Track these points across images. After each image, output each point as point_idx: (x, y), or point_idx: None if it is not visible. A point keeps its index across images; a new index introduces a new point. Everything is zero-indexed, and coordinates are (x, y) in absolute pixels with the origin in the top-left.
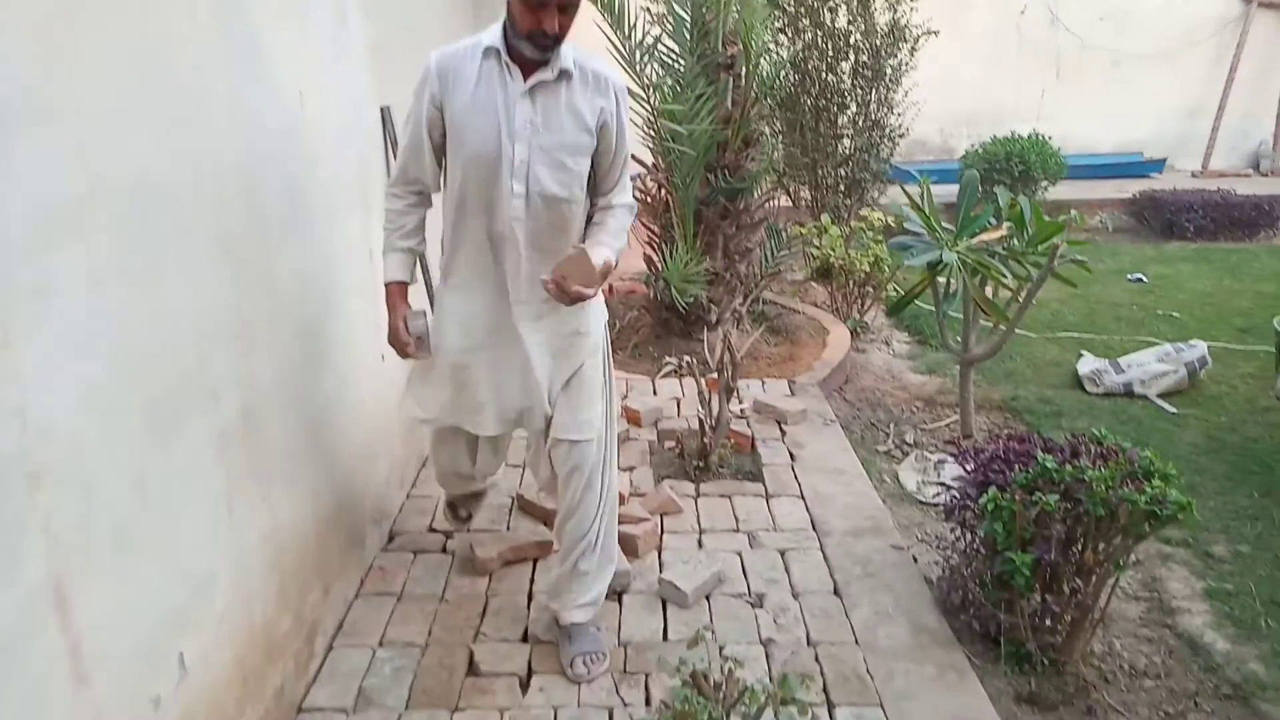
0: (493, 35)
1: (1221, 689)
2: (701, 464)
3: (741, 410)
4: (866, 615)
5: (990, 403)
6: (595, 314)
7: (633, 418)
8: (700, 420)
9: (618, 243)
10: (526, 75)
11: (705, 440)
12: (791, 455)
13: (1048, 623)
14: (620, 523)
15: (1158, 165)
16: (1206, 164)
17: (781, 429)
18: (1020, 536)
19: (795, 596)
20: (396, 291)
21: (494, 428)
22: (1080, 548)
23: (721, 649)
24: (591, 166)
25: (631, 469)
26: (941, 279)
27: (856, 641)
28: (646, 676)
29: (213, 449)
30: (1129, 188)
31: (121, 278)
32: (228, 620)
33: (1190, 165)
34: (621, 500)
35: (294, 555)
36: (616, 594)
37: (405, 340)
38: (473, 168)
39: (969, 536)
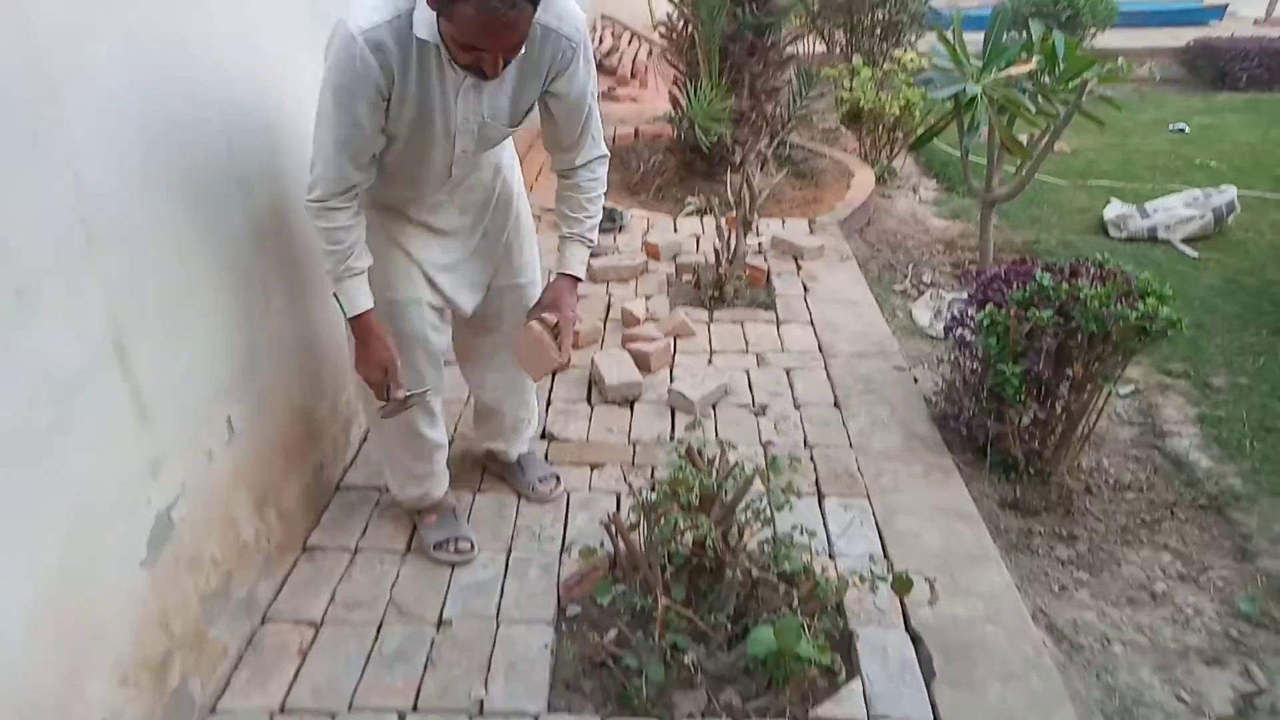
0: (422, 25)
1: (1199, 500)
2: (716, 294)
3: (759, 246)
4: (863, 424)
5: (1011, 246)
6: (511, 169)
7: (652, 252)
8: (716, 253)
9: (593, 221)
10: None
11: (721, 271)
12: (805, 287)
13: (1035, 433)
14: (634, 341)
15: (1217, 12)
16: (1271, 11)
17: (797, 264)
18: (1013, 350)
19: (797, 407)
20: (371, 321)
21: (469, 304)
22: (1072, 363)
23: (719, 440)
24: (548, 116)
25: (648, 297)
26: (967, 116)
27: (850, 445)
28: (653, 468)
29: (248, 238)
30: (1183, 35)
31: (153, 42)
32: (269, 396)
33: (1253, 13)
34: (636, 322)
35: (329, 350)
36: (628, 402)
37: (398, 382)
38: (400, 163)
39: (966, 353)
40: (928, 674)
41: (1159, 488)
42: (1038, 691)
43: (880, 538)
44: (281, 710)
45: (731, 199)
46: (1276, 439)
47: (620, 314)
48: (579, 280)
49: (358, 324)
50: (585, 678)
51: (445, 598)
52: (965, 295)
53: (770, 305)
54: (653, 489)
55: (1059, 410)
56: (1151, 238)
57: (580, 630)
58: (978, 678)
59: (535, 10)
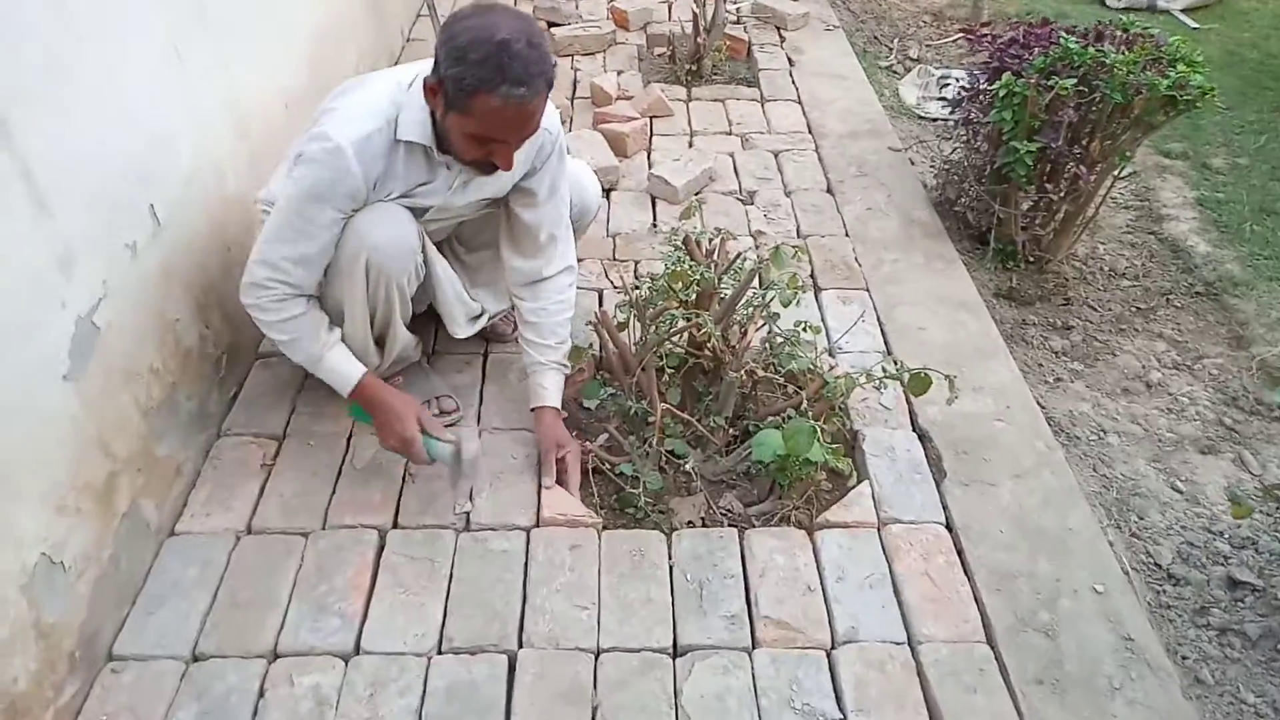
0: (412, 127)
1: (1195, 287)
2: (694, 68)
3: (738, 12)
4: (858, 210)
5: (1003, 16)
6: None
7: (619, 19)
8: (695, 20)
9: (566, 347)
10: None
11: (699, 42)
12: (790, 61)
13: (1040, 217)
14: (607, 121)
15: None
16: None
17: (780, 34)
18: (1029, 126)
19: (787, 194)
20: (373, 385)
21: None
22: (1087, 139)
23: (717, 230)
24: (512, 218)
25: (619, 73)
26: None
27: (846, 234)
28: (636, 264)
29: None
30: None
31: None
32: (197, 184)
33: None
34: (608, 100)
35: (262, 130)
36: (605, 191)
37: (434, 433)
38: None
39: (972, 131)
40: (937, 474)
41: (1155, 274)
42: (1051, 489)
43: (882, 332)
44: (248, 530)
45: None
46: (1276, 222)
47: (589, 91)
48: (560, 412)
49: (360, 396)
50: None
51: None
52: (975, 63)
53: (753, 82)
54: (638, 286)
55: (1064, 193)
56: (1150, 7)
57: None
58: (989, 476)
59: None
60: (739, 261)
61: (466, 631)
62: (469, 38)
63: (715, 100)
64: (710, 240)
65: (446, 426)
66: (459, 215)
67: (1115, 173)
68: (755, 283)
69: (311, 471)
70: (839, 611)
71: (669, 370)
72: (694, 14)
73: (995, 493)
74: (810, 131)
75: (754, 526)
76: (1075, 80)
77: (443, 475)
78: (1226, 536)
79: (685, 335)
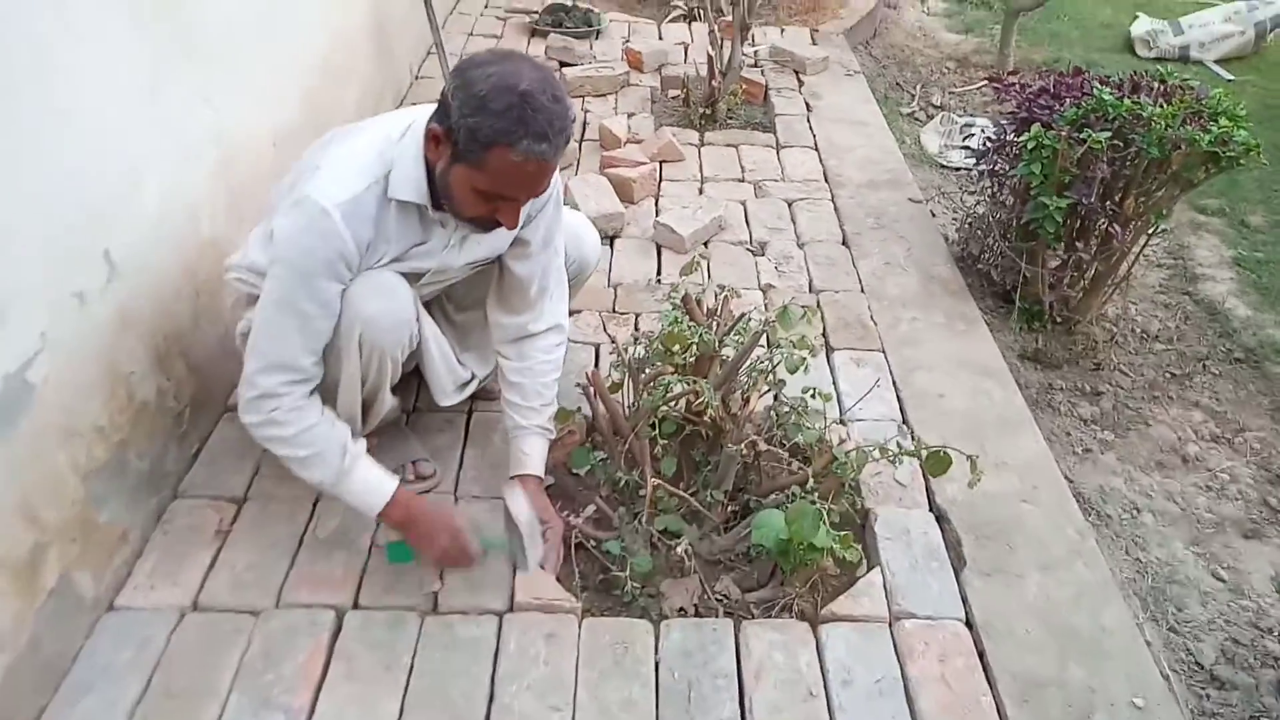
0: (405, 184)
1: (1234, 353)
2: (708, 112)
3: (755, 56)
4: (875, 265)
5: (1029, 64)
6: None
7: (634, 61)
8: (710, 63)
9: (551, 410)
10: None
11: (714, 85)
12: (808, 106)
13: (1069, 276)
14: (614, 166)
15: None
16: None
17: (799, 79)
18: (1059, 180)
19: (800, 245)
20: (408, 500)
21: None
22: (1121, 195)
23: (720, 287)
24: (503, 270)
25: (630, 115)
26: None
27: (862, 290)
28: (636, 316)
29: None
30: None
31: None
32: (167, 226)
33: None
34: (616, 143)
35: (245, 170)
36: (608, 238)
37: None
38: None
39: (998, 184)
40: (957, 562)
41: (1190, 338)
42: (1084, 582)
43: (898, 399)
44: (194, 607)
45: (724, 1)
46: None
47: (598, 133)
48: (542, 481)
49: (394, 512)
50: (560, 562)
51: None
52: (1002, 111)
53: (769, 127)
54: (637, 342)
55: (1095, 251)
56: (1183, 58)
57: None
58: (1014, 566)
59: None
60: (743, 322)
61: None
62: (489, 85)
63: (729, 145)
64: (716, 296)
65: (422, 494)
66: (454, 277)
67: (1150, 231)
68: (762, 343)
69: (269, 541)
70: None
71: (664, 438)
72: (709, 56)
73: (1021, 585)
74: (826, 180)
75: (752, 616)
76: (1109, 133)
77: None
78: (1276, 634)
79: (683, 401)
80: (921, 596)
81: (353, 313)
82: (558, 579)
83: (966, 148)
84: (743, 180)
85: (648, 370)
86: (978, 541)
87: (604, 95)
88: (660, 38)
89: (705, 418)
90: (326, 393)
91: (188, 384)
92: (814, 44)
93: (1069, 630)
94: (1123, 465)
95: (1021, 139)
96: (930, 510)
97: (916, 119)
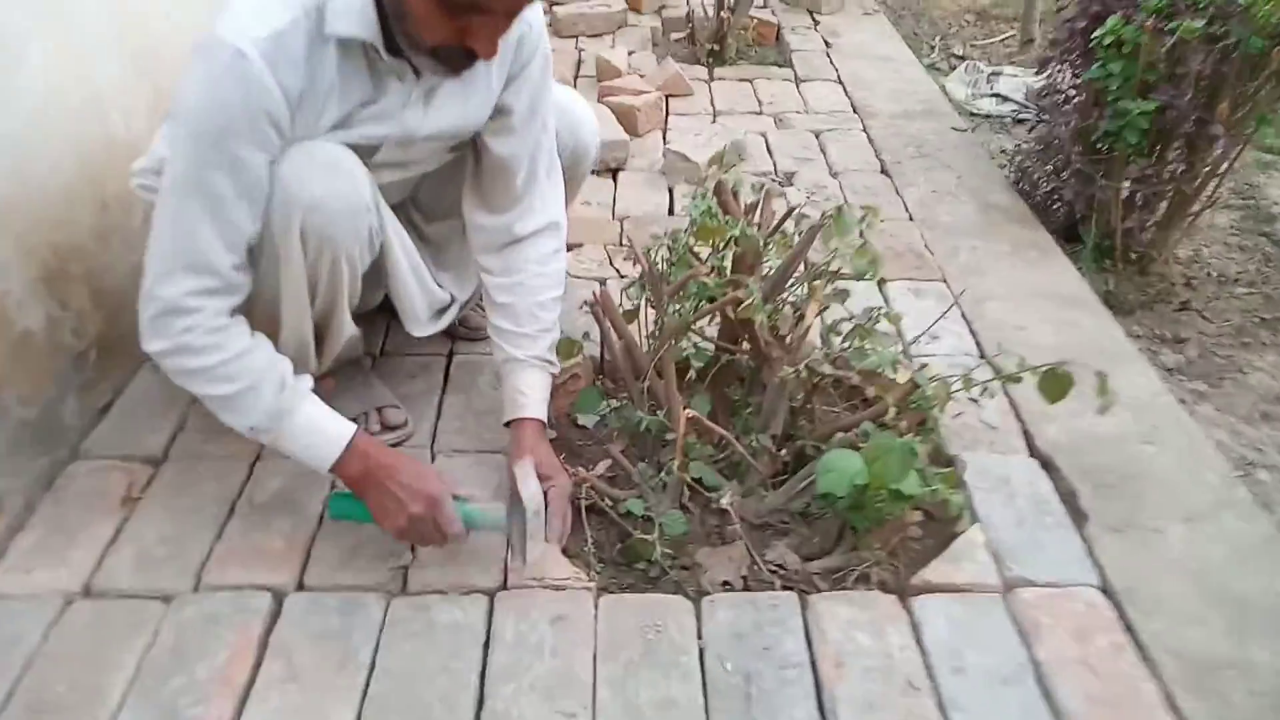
0: (347, 16)
1: None
2: (716, 49)
3: (764, 2)
4: (922, 193)
5: (1052, 15)
6: None
7: (633, 2)
8: (717, 8)
9: (551, 336)
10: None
11: (723, 17)
12: (826, 43)
13: (1148, 199)
14: (614, 94)
15: None
16: None
17: (813, 18)
18: (1142, 80)
19: (833, 175)
20: (367, 447)
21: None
22: (1209, 99)
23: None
24: (481, 155)
25: (630, 53)
26: None
27: (910, 218)
28: (648, 251)
29: None
30: None
31: None
32: (56, 113)
33: None
34: (616, 74)
35: (179, 52)
36: (610, 170)
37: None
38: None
39: (1056, 106)
40: (1076, 516)
41: (1275, 280)
42: (1241, 536)
43: (971, 331)
44: (85, 593)
45: None
46: None
47: (594, 68)
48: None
49: (350, 467)
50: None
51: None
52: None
53: (785, 64)
54: (658, 244)
55: (1182, 168)
56: None
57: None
58: (1149, 519)
59: None
60: (793, 218)
61: None
62: None
63: (742, 80)
64: (755, 188)
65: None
66: (418, 163)
67: (1247, 139)
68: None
69: (190, 507)
70: None
71: (694, 369)
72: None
73: (1162, 542)
74: (856, 111)
75: (818, 590)
76: (1203, 24)
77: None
78: None
79: (717, 321)
80: (1038, 559)
81: (289, 196)
82: (564, 551)
83: (997, 95)
84: (760, 113)
85: (672, 279)
86: (1097, 492)
87: (600, 35)
88: None
89: (746, 343)
90: (265, 319)
91: (93, 319)
92: None
93: (1236, 598)
94: (1224, 417)
95: (1097, 34)
96: (1031, 456)
97: (938, 69)
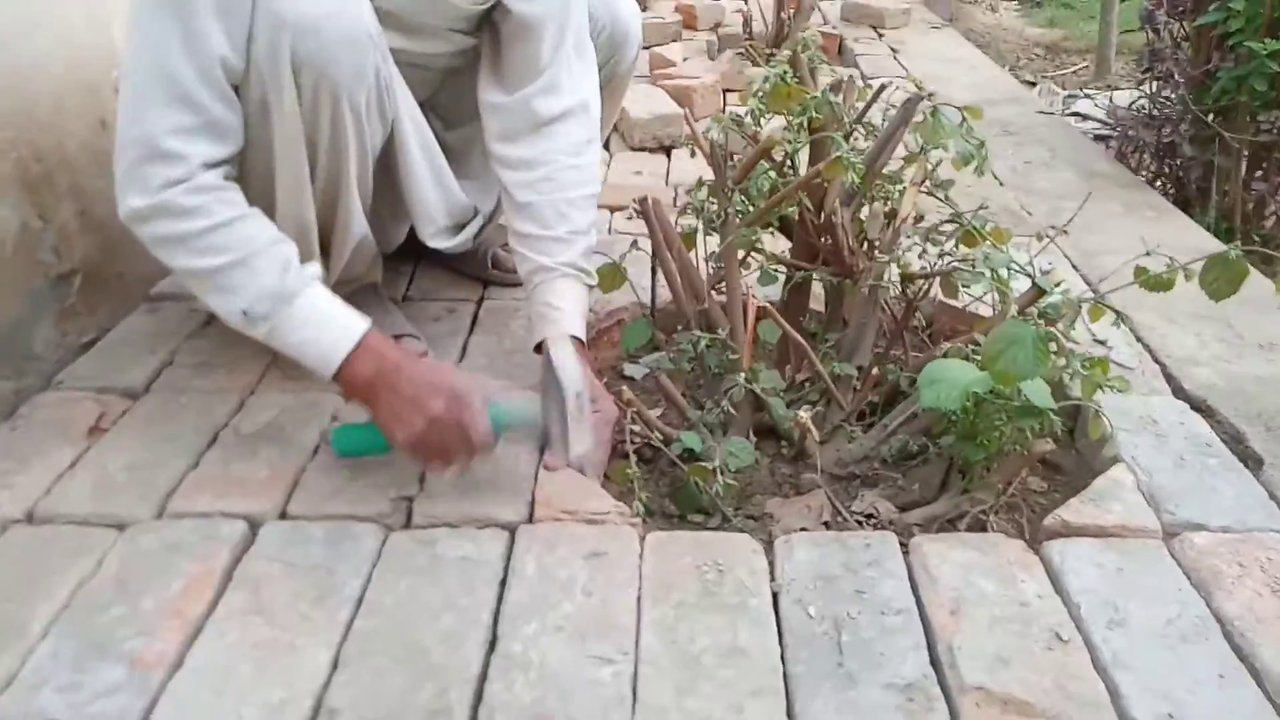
0: None
1: None
2: (775, 53)
3: (824, 19)
4: (1014, 163)
5: (1131, 48)
6: None
7: (687, 16)
8: (776, 12)
9: (586, 241)
10: None
11: (783, 18)
12: (893, 50)
13: (1272, 164)
14: (670, 79)
15: None
16: None
17: (878, 32)
18: (1269, 16)
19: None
20: (381, 346)
21: None
22: None
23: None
24: (500, 25)
25: (685, 59)
26: None
27: (1001, 184)
28: (707, 131)
29: None
30: None
31: None
32: (43, 7)
33: None
34: (671, 66)
35: None
36: (664, 149)
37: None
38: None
39: (1164, 61)
40: (1248, 460)
41: None
42: None
43: (1086, 282)
44: (29, 519)
45: None
46: None
47: (648, 63)
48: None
49: (360, 367)
50: (606, 478)
51: None
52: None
53: (850, 66)
54: (721, 128)
55: None
56: None
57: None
58: None
59: None
60: (886, 93)
61: (370, 703)
62: None
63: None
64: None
65: None
66: (433, 53)
67: None
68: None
69: (166, 435)
70: (1131, 685)
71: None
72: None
73: None
74: (931, 98)
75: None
76: None
77: None
78: None
79: (787, 225)
80: (1208, 502)
81: (275, 16)
82: (605, 485)
83: (1075, 114)
84: None
85: (736, 161)
86: (1271, 434)
87: (653, 47)
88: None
89: (824, 249)
90: (257, 201)
91: (79, 241)
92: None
93: None
94: None
95: None
96: (1178, 399)
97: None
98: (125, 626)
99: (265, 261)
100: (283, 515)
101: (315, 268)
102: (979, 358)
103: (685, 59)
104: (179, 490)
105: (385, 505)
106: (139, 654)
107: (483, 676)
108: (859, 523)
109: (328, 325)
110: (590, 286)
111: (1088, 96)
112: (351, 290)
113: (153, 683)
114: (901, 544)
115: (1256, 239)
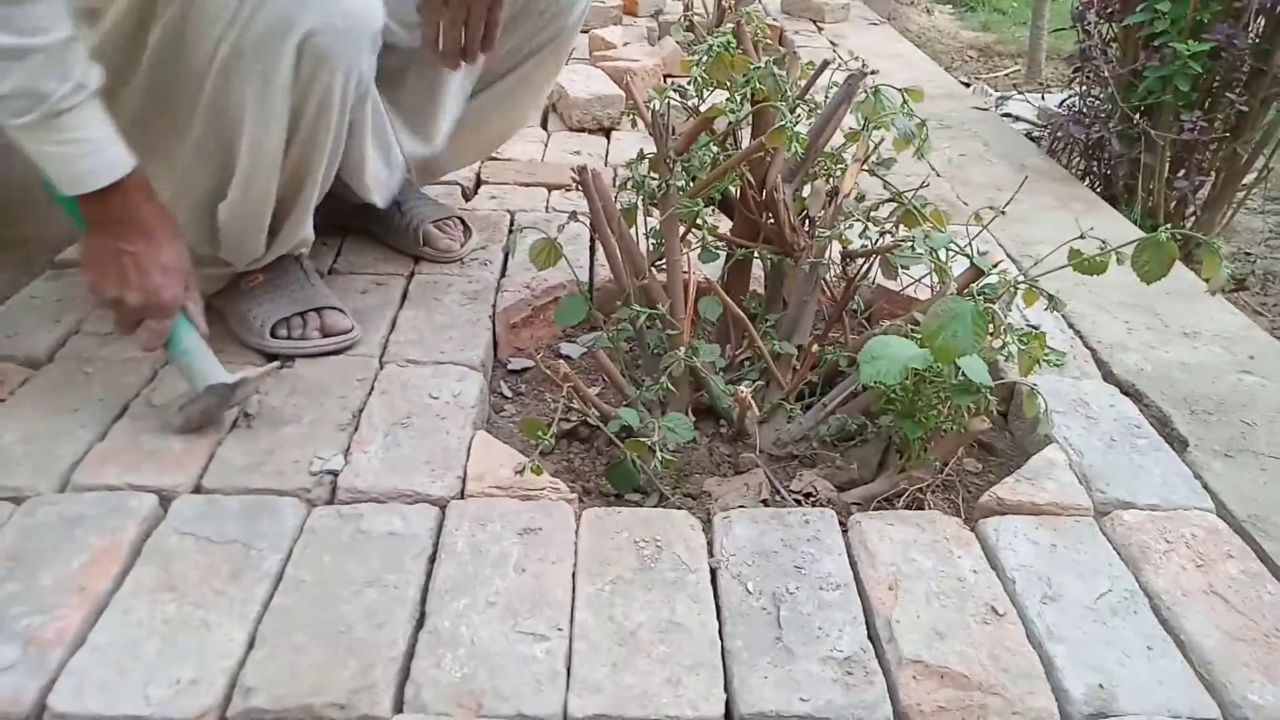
0: None
1: None
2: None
3: (764, 12)
4: (950, 156)
5: (1061, 53)
6: None
7: (629, 3)
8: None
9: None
10: None
11: (724, 6)
12: (832, 44)
13: (1200, 161)
14: (610, 60)
15: None
16: None
17: (817, 26)
18: (1192, 19)
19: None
20: (150, 198)
21: None
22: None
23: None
24: None
25: (626, 43)
26: None
27: (937, 174)
28: (649, 101)
29: None
30: None
31: None
32: None
33: None
34: (611, 48)
35: None
36: (604, 130)
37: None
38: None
39: (1092, 60)
40: (1174, 441)
41: None
42: None
43: (1022, 272)
44: None
45: None
46: None
47: (587, 45)
48: None
49: (108, 200)
50: (541, 456)
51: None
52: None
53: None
54: (661, 99)
55: (1230, 122)
56: None
57: (534, 394)
58: (1262, 445)
59: None
60: (829, 72)
61: (288, 681)
62: None
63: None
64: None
65: (332, 353)
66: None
67: None
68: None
69: (69, 405)
70: (1064, 658)
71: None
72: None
73: None
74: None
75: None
76: None
77: (303, 415)
78: None
79: (728, 203)
80: (1136, 480)
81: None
82: (537, 455)
83: (1008, 115)
84: None
85: (677, 133)
86: (1195, 418)
87: (592, 30)
88: None
89: (766, 226)
90: (208, 168)
91: None
92: None
93: None
94: None
95: None
96: (1107, 383)
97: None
98: (20, 604)
99: (50, 58)
100: (197, 489)
101: (93, 74)
102: (919, 336)
103: (626, 43)
104: (83, 463)
105: (307, 480)
106: (35, 632)
107: (409, 654)
108: (797, 502)
109: (94, 147)
110: None
111: (1021, 97)
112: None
113: (50, 662)
114: (840, 522)
115: (1178, 239)
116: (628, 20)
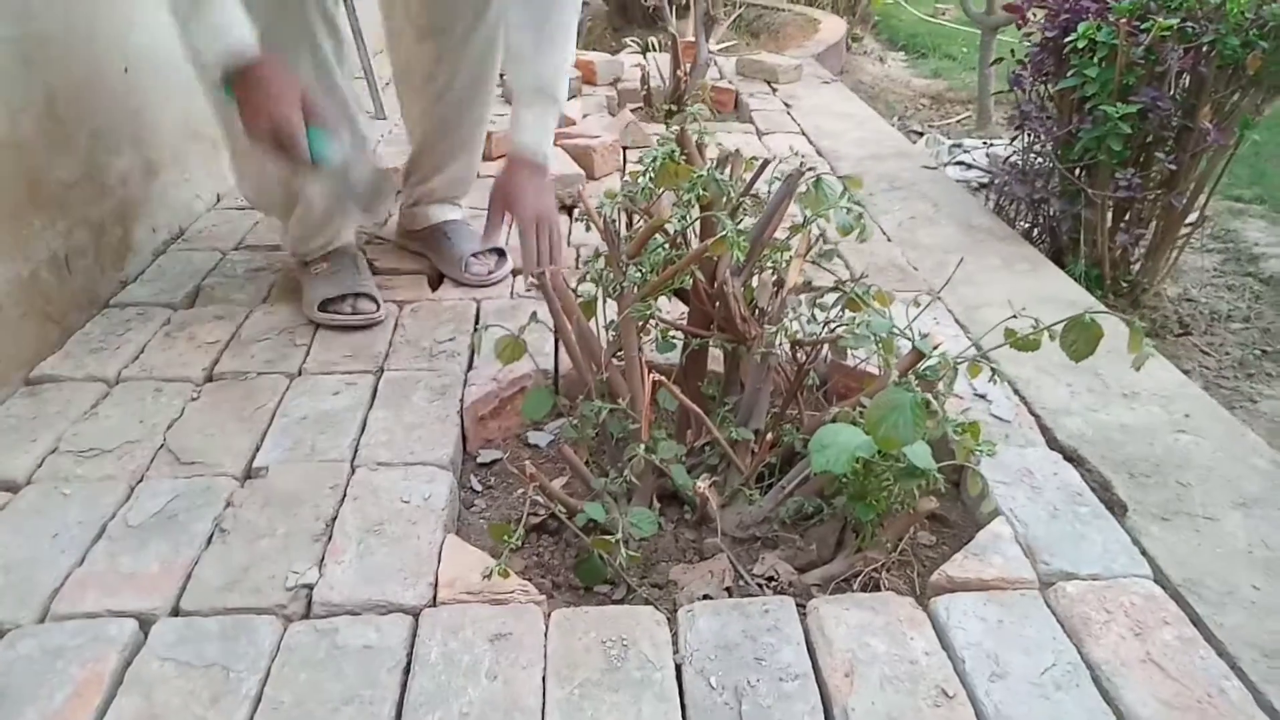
0: None
1: None
2: (674, 109)
3: (719, 73)
4: (900, 219)
5: (1010, 101)
6: None
7: (587, 73)
8: (674, 52)
9: (558, 60)
10: None
11: (680, 76)
12: (786, 104)
13: (1137, 216)
14: (570, 138)
15: None
16: None
17: (771, 87)
18: (1120, 83)
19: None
20: (269, 65)
21: None
22: (1194, 103)
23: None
24: None
25: (585, 115)
26: None
27: (889, 239)
28: (600, 208)
29: None
30: None
31: None
32: None
33: None
34: (571, 124)
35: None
36: (565, 208)
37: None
38: None
39: (1033, 119)
40: (1114, 507)
41: (1268, 316)
42: None
43: (969, 338)
44: None
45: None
46: None
47: None
48: (539, 165)
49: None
50: (511, 553)
51: (263, 437)
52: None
53: (746, 121)
54: (611, 206)
55: (1169, 175)
56: None
57: (504, 486)
58: (1199, 507)
59: None
60: (771, 170)
61: None
62: None
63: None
64: (719, 148)
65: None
66: None
67: (1236, 144)
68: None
69: (50, 531)
70: None
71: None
72: (674, 51)
73: (1218, 531)
74: (821, 155)
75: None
76: (1177, 21)
77: (275, 529)
78: None
79: (682, 316)
80: (1078, 550)
81: None
82: (506, 575)
83: (960, 163)
84: None
85: (630, 235)
86: (1134, 481)
87: None
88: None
89: (717, 318)
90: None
91: None
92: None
93: None
94: None
95: (1072, 38)
96: (1052, 449)
97: None
98: None
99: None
100: (175, 612)
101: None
102: (865, 421)
103: (585, 115)
104: (63, 590)
105: (282, 595)
106: None
107: None
108: (760, 586)
109: (219, 37)
110: (559, 104)
111: (973, 146)
112: (332, 259)
113: None
114: (799, 605)
115: (1125, 284)
116: (588, 89)
